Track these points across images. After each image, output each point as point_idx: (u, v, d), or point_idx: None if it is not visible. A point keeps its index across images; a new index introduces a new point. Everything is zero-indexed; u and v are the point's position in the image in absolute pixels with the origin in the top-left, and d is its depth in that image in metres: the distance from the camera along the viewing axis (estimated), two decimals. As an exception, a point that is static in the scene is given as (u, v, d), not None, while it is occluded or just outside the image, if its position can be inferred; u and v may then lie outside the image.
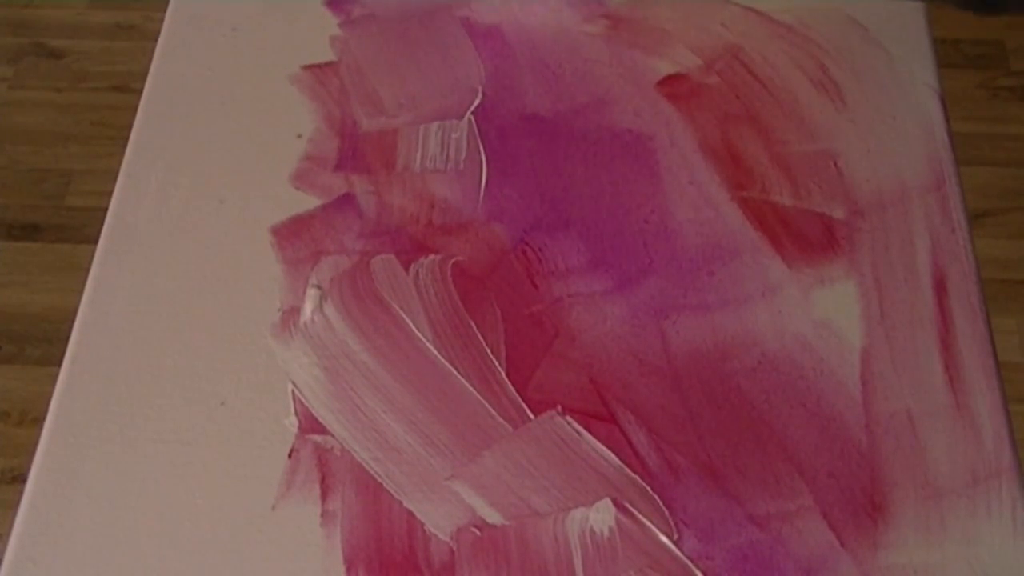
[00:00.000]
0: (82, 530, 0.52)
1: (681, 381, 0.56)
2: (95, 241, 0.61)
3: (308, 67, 0.68)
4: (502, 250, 0.61)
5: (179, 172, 0.64)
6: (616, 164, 0.64)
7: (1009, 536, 0.52)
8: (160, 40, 0.71)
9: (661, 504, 0.52)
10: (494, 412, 0.55)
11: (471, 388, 0.55)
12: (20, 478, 1.26)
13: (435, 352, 0.57)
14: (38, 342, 1.36)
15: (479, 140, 0.65)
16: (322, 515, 0.52)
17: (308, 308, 0.58)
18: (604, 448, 0.54)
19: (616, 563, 0.51)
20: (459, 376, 0.56)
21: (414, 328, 0.57)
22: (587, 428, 0.54)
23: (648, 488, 0.53)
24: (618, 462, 0.53)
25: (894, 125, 0.66)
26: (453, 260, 0.60)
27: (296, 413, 0.55)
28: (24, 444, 1.27)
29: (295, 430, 0.55)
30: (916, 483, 0.53)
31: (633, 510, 0.52)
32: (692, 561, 0.51)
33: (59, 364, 0.57)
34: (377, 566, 0.51)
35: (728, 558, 0.51)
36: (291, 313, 0.58)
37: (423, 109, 0.66)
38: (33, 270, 1.42)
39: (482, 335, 0.57)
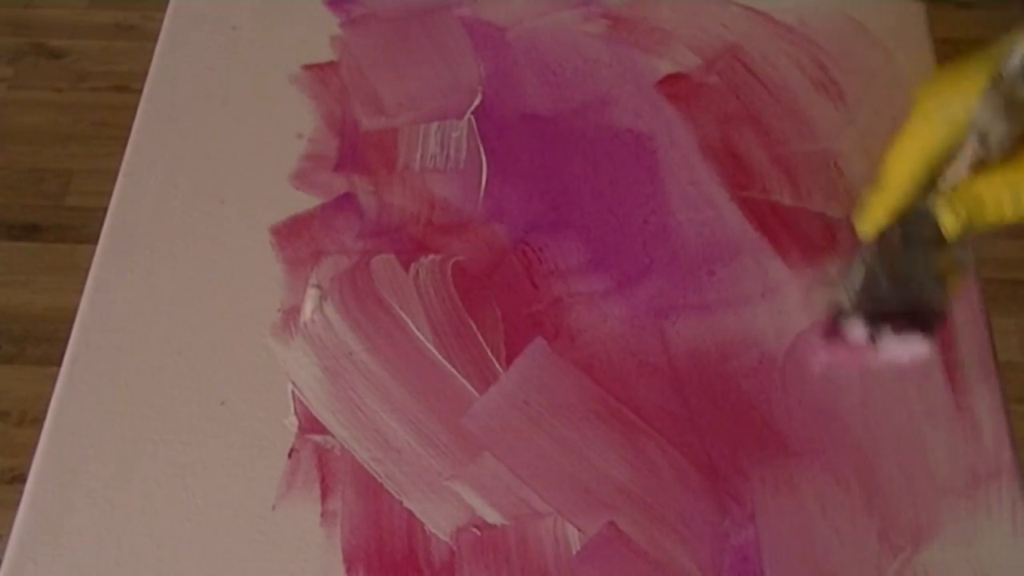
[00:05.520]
0: (82, 530, 0.52)
1: (681, 381, 0.56)
2: (95, 241, 0.61)
3: (308, 67, 0.68)
4: (502, 250, 0.61)
5: (179, 172, 0.64)
6: (616, 164, 0.64)
7: (1009, 536, 0.52)
8: (160, 40, 0.70)
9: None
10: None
11: (471, 388, 0.55)
12: (20, 478, 1.26)
13: (435, 352, 0.57)
14: (38, 342, 1.37)
15: (479, 140, 0.65)
16: (322, 515, 0.52)
17: (308, 308, 0.58)
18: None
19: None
20: (459, 376, 0.56)
21: (414, 328, 0.57)
22: (587, 428, 0.54)
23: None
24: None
25: (894, 125, 0.66)
26: (453, 260, 0.60)
27: (296, 413, 0.55)
28: (24, 444, 1.27)
29: (295, 430, 0.55)
30: (916, 483, 0.53)
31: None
32: (692, 561, 0.51)
33: (59, 364, 0.57)
34: (377, 566, 0.51)
35: (728, 558, 0.51)
36: (291, 313, 0.58)
37: (423, 109, 0.66)
38: (33, 270, 1.42)
39: (482, 335, 0.57)
